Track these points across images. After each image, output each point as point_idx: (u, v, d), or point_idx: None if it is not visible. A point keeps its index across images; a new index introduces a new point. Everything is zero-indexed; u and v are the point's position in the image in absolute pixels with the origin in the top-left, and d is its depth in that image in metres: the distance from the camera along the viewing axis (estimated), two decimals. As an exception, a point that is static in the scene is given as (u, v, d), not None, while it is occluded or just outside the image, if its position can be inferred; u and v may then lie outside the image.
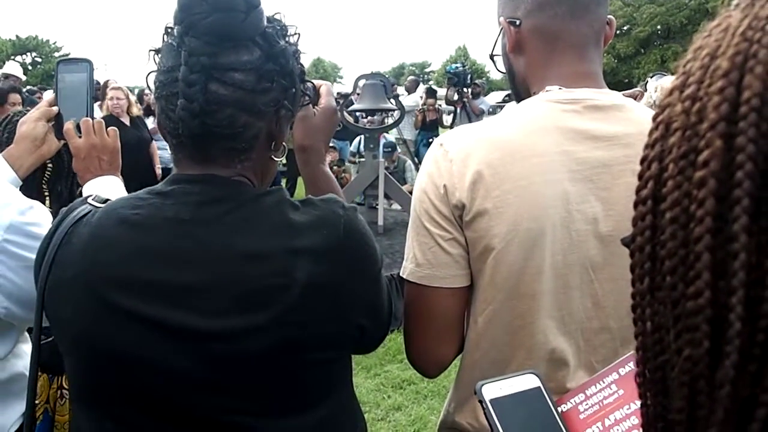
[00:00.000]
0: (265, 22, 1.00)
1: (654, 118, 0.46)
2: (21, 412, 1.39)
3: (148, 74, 1.05)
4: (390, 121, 6.52)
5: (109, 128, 1.54)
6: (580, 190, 1.11)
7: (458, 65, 10.23)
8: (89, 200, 1.05)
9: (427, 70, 77.31)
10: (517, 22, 1.21)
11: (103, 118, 6.15)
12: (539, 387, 0.86)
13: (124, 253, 0.96)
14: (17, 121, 1.87)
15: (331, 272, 0.97)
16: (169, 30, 1.00)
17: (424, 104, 10.56)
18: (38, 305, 1.03)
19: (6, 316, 1.24)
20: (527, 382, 0.86)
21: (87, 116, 1.54)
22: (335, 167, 9.42)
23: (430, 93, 11.03)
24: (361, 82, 5.57)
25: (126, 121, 6.74)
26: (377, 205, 5.64)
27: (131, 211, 0.98)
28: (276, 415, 0.99)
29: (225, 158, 1.01)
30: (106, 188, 1.45)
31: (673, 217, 0.43)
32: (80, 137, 1.50)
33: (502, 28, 1.25)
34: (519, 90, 1.27)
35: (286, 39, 1.04)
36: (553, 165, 1.10)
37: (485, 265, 1.13)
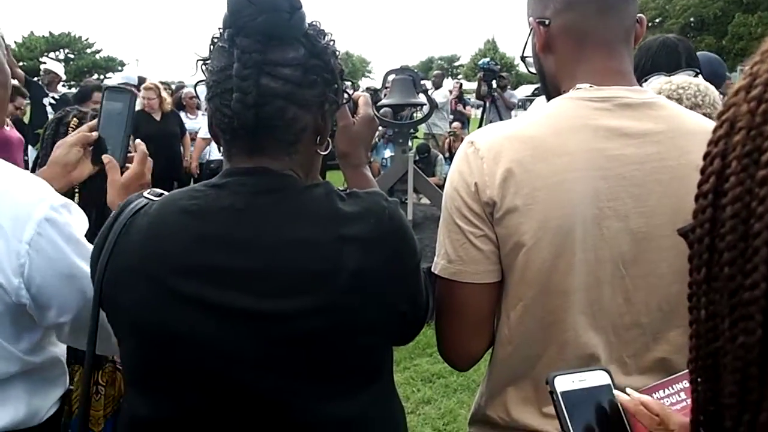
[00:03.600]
0: (307, 25, 1.08)
1: (718, 116, 0.48)
2: (56, 397, 1.41)
3: (197, 84, 1.14)
4: (419, 115, 6.53)
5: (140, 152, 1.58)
6: (611, 187, 1.12)
7: (489, 60, 10.19)
8: (145, 194, 1.11)
9: (455, 63, 76.94)
10: (547, 22, 1.22)
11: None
12: (609, 384, 0.88)
13: (182, 240, 1.02)
14: (62, 120, 1.93)
15: (377, 259, 1.02)
16: (219, 34, 1.08)
17: (451, 133, 10.25)
18: (95, 294, 1.08)
19: (28, 308, 1.25)
20: (598, 378, 0.89)
21: (123, 144, 1.58)
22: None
23: (459, 115, 10.88)
24: (390, 77, 5.58)
25: (157, 116, 6.88)
26: (406, 199, 5.65)
27: (189, 202, 1.05)
28: (325, 398, 1.03)
29: (275, 150, 1.07)
30: None
31: (734, 212, 0.44)
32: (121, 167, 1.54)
33: (531, 29, 1.26)
34: (549, 89, 1.29)
35: (325, 40, 1.11)
36: (584, 162, 1.12)
37: (516, 262, 1.15)
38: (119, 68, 58.82)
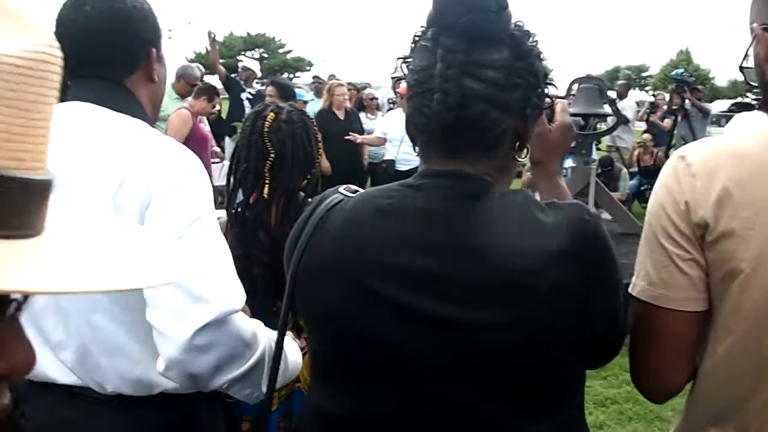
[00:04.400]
0: (512, 25, 1.04)
1: None
2: None
3: (395, 81, 1.13)
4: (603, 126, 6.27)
5: None
6: None
7: (682, 71, 9.59)
8: (340, 190, 1.12)
9: (644, 74, 73.34)
10: None
11: (320, 111, 6.43)
12: None
13: (377, 238, 1.02)
14: (260, 113, 2.03)
15: (578, 275, 0.97)
16: (422, 33, 1.06)
17: (641, 144, 9.61)
18: (289, 287, 1.11)
19: None
20: None
21: None
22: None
23: (652, 126, 10.17)
24: (575, 86, 5.41)
25: (341, 115, 7.12)
26: (585, 213, 5.45)
27: (385, 201, 1.04)
28: (512, 417, 1.00)
29: (473, 154, 1.04)
30: None
31: None
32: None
33: (755, 36, 1.14)
34: None
35: (530, 41, 1.07)
36: None
37: (729, 291, 1.04)
38: (307, 68, 62.04)
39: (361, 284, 1.01)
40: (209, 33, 8.74)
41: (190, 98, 6.12)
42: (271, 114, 2.06)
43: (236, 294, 1.26)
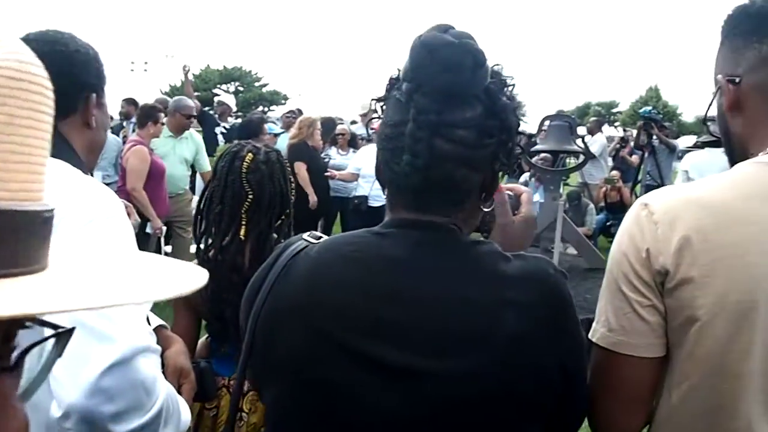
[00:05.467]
0: (489, 78, 1.02)
1: None
2: None
3: (368, 120, 1.14)
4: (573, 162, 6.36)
5: None
6: None
7: (651, 108, 9.78)
8: (304, 237, 1.12)
9: (614, 110, 74.66)
10: (737, 80, 1.13)
11: (301, 145, 6.30)
12: None
13: (340, 285, 1.02)
14: (237, 153, 2.02)
15: (537, 327, 0.97)
16: (396, 84, 1.06)
17: (608, 180, 9.71)
18: (249, 333, 1.09)
19: None
20: None
21: None
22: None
23: (621, 163, 10.31)
24: (546, 123, 5.49)
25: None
26: (552, 248, 5.49)
27: (350, 248, 1.05)
28: None
29: (440, 208, 1.04)
30: None
31: None
32: None
33: (719, 87, 1.17)
34: (735, 151, 1.18)
35: (506, 92, 1.07)
36: None
37: (686, 337, 1.05)
38: (282, 101, 62.16)
39: (322, 330, 1.00)
40: (184, 67, 8.74)
41: (138, 130, 5.74)
42: (249, 155, 2.05)
43: (142, 332, 1.20)
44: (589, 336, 1.15)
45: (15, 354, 0.48)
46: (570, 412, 1.07)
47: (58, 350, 0.49)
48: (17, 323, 0.45)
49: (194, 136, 6.59)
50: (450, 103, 1.00)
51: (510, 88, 1.07)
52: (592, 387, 1.16)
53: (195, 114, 6.72)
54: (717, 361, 1.04)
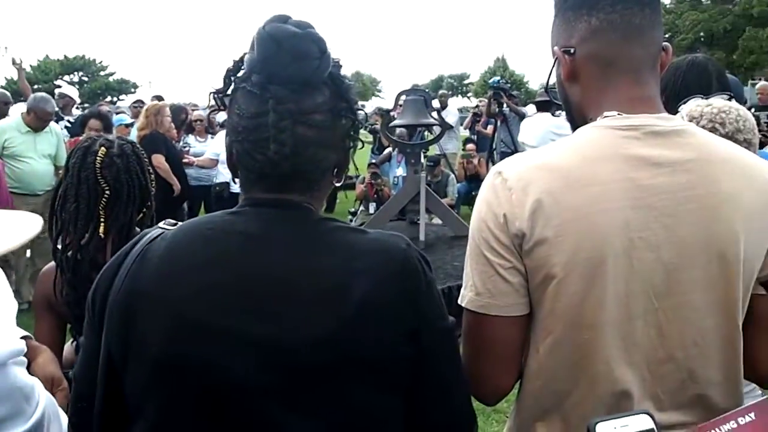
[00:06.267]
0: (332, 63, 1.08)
1: None
2: None
3: (210, 113, 1.14)
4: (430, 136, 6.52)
5: None
6: (642, 218, 1.10)
7: (499, 78, 10.19)
8: (161, 225, 1.13)
9: (465, 81, 76.99)
10: (572, 51, 1.20)
11: (154, 135, 6.03)
12: (653, 428, 0.86)
13: (195, 263, 1.04)
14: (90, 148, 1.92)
15: (384, 295, 1.01)
16: (244, 76, 1.08)
17: (464, 155, 10.26)
18: (107, 319, 1.07)
19: None
20: (641, 422, 0.86)
21: None
22: (374, 180, 9.43)
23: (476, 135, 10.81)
24: (402, 98, 5.59)
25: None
26: (418, 219, 5.63)
27: (205, 227, 1.08)
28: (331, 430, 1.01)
29: (300, 188, 1.10)
30: None
31: None
32: None
33: (556, 58, 1.24)
34: (575, 118, 1.26)
35: (344, 74, 1.12)
36: (615, 193, 1.09)
37: (545, 294, 1.12)
38: (132, 90, 59.35)
39: (177, 307, 1.01)
40: (13, 60, 8.09)
41: None
42: (102, 149, 1.96)
43: (12, 337, 1.12)
44: (458, 301, 1.21)
45: None
46: (432, 386, 1.09)
47: None
48: None
49: (54, 128, 6.25)
50: (303, 91, 1.05)
51: (343, 69, 1.13)
52: (465, 349, 1.22)
53: (53, 116, 6.34)
54: (575, 314, 1.11)
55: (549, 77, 1.29)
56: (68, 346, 2.08)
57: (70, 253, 1.94)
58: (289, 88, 1.04)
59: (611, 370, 1.12)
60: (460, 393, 1.13)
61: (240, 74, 1.10)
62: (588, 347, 1.12)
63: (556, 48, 1.24)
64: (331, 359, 0.99)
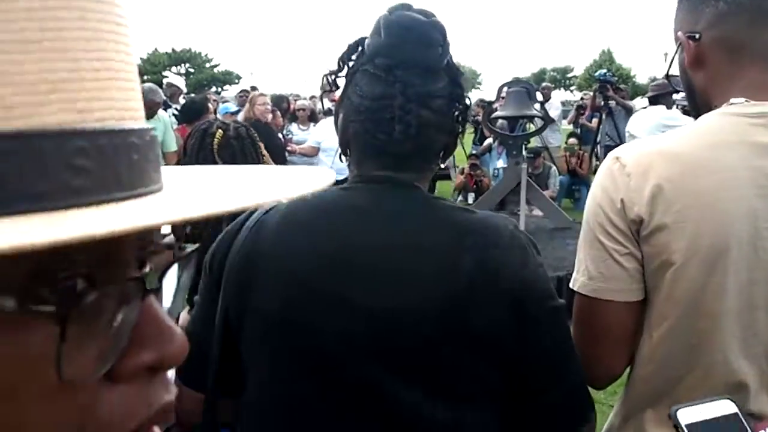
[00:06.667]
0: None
1: None
2: None
3: (322, 94, 1.27)
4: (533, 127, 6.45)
5: None
6: None
7: (605, 71, 9.92)
8: None
9: (569, 75, 75.13)
10: (697, 36, 1.18)
11: (255, 122, 6.23)
12: (737, 413, 0.84)
13: (309, 231, 1.11)
14: (207, 130, 2.02)
15: (490, 269, 1.04)
16: (366, 59, 1.13)
17: (567, 149, 10.07)
18: (224, 284, 1.15)
19: None
20: (724, 407, 0.85)
21: None
22: (474, 171, 9.39)
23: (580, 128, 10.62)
24: (505, 89, 5.55)
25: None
26: (518, 211, 5.59)
27: (317, 200, 1.12)
28: (433, 399, 1.05)
29: (413, 167, 1.15)
30: None
31: None
32: None
33: (680, 44, 1.22)
34: (699, 105, 1.24)
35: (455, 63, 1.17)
36: (740, 181, 1.07)
37: (663, 281, 1.11)
38: (236, 81, 61.30)
39: (292, 272, 1.08)
40: None
41: None
42: (219, 131, 2.06)
43: None
44: (570, 285, 1.21)
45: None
46: (543, 367, 1.10)
47: (184, 270, 0.48)
48: (148, 243, 0.43)
49: (163, 116, 6.57)
50: (427, 76, 1.11)
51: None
52: (577, 332, 1.22)
53: (161, 105, 6.69)
54: (693, 302, 1.10)
55: (670, 64, 1.27)
56: (184, 314, 2.19)
57: (189, 230, 2.05)
58: (415, 73, 1.09)
59: (728, 360, 1.11)
60: (575, 375, 1.13)
61: (357, 58, 1.15)
62: (705, 335, 1.11)
63: (680, 33, 1.22)
64: (434, 332, 1.03)
